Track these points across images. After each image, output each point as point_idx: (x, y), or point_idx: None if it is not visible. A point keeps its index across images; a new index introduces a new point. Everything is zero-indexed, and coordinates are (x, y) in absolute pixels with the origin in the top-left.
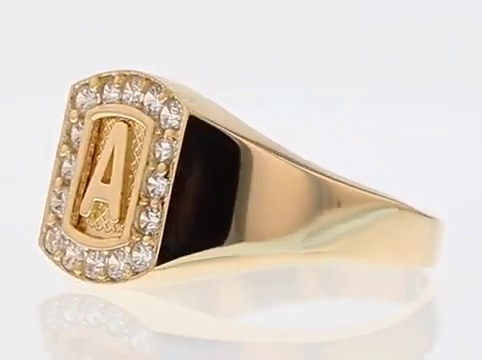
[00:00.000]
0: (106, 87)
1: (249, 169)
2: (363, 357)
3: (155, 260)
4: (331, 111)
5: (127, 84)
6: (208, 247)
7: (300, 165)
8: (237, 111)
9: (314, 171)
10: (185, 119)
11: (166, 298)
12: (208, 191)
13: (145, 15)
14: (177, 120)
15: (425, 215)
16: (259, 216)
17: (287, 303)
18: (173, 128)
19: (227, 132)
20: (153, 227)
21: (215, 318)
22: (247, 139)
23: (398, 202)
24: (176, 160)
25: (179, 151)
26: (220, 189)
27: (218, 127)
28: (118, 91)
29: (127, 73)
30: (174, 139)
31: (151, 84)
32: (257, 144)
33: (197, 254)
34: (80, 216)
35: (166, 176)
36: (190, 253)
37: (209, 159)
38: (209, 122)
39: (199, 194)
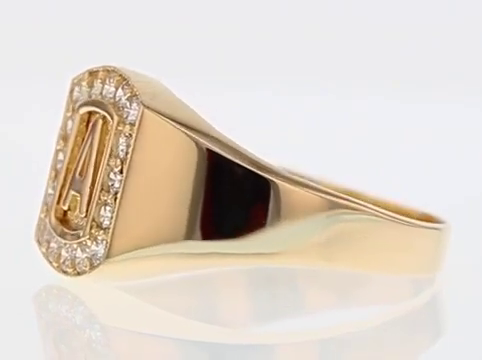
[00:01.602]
0: (94, 82)
1: (203, 169)
2: (367, 354)
3: (105, 254)
4: (330, 110)
5: (107, 79)
6: (157, 243)
7: (259, 169)
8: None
9: (275, 176)
10: (140, 115)
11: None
12: (161, 188)
13: (146, 13)
14: (134, 116)
15: (429, 227)
16: (211, 216)
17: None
18: (131, 124)
19: (183, 130)
20: (107, 222)
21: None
22: (204, 139)
23: (373, 209)
24: (129, 156)
25: (132, 147)
26: (172, 187)
27: (174, 125)
28: (100, 86)
29: (109, 68)
30: (130, 135)
31: (123, 80)
32: (214, 144)
33: (147, 250)
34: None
35: (121, 171)
36: (139, 248)
37: (163, 156)
38: (165, 120)
39: (151, 191)
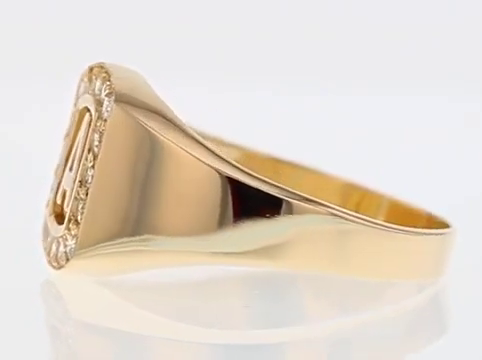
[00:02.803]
0: (92, 78)
1: (168, 167)
2: (369, 353)
3: (75, 248)
4: (330, 109)
5: (98, 75)
6: (122, 238)
7: (228, 169)
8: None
9: (239, 173)
10: (111, 112)
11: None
12: (126, 184)
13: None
14: (107, 112)
15: (434, 233)
16: (172, 212)
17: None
18: (104, 120)
19: (149, 128)
20: (80, 217)
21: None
22: (168, 135)
23: (346, 213)
24: (100, 151)
25: (103, 143)
26: (137, 183)
27: (142, 123)
28: (94, 82)
29: (102, 64)
30: (103, 131)
31: (107, 76)
32: (179, 141)
33: (113, 245)
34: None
35: (93, 166)
36: (105, 243)
37: (129, 153)
38: (134, 117)
39: (117, 186)
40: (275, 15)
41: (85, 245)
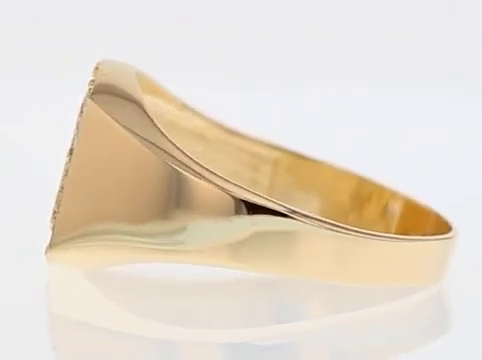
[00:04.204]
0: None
1: (127, 160)
2: (369, 351)
3: (50, 241)
4: (330, 109)
5: (94, 72)
6: (87, 231)
7: (182, 165)
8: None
9: (204, 173)
10: (85, 107)
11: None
12: (94, 178)
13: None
14: (84, 107)
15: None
16: (128, 207)
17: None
18: (81, 116)
19: (119, 123)
20: (57, 209)
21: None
22: (139, 132)
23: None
24: (75, 146)
25: (78, 137)
26: (105, 177)
27: (114, 118)
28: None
29: (98, 61)
30: (79, 126)
31: (96, 72)
32: (135, 135)
33: (83, 237)
34: None
35: (70, 160)
36: (77, 235)
37: (103, 147)
38: (105, 114)
39: (88, 181)
40: (275, 15)
41: (58, 239)
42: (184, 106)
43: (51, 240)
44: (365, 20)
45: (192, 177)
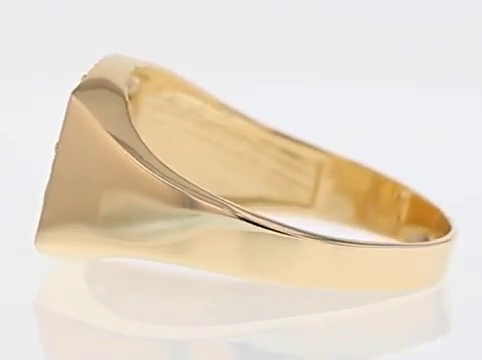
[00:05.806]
0: None
1: (98, 152)
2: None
3: (36, 233)
4: (330, 107)
5: None
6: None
7: (135, 160)
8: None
9: (155, 170)
10: (69, 101)
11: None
12: (73, 172)
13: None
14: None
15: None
16: (94, 199)
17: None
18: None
19: (95, 118)
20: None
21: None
22: (109, 129)
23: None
24: (60, 140)
25: (60, 134)
26: (81, 171)
27: (92, 113)
28: None
29: (104, 56)
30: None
31: (94, 67)
32: (108, 130)
33: (62, 232)
34: None
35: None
36: (56, 231)
37: (81, 146)
38: (87, 112)
39: (69, 175)
40: (275, 14)
41: (43, 234)
42: (222, 105)
43: (37, 231)
44: (368, 20)
45: (145, 171)
